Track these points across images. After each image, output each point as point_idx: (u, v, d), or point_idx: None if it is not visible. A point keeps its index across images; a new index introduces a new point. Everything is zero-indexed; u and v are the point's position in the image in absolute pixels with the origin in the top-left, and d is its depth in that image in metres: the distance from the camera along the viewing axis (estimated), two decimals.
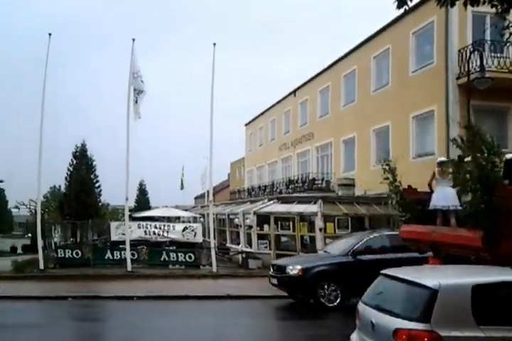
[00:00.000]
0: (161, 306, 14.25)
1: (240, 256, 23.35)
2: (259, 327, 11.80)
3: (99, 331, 10.69)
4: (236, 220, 25.75)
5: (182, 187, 48.98)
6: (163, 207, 36.50)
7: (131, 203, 49.84)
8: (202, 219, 32.00)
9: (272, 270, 14.67)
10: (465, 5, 6.92)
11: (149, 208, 50.77)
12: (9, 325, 11.06)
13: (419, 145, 21.08)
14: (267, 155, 40.20)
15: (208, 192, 33.64)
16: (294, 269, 13.61)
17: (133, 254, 21.02)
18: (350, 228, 21.31)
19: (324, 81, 30.55)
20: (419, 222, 10.96)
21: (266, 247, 22.91)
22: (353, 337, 6.82)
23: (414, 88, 21.22)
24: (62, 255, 21.65)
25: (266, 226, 23.44)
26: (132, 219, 28.13)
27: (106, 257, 21.78)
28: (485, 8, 7.85)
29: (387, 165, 11.84)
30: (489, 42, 18.27)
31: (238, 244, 25.78)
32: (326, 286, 13.19)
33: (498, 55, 18.25)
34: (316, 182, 29.25)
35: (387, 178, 11.68)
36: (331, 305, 13.11)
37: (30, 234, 44.67)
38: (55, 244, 24.42)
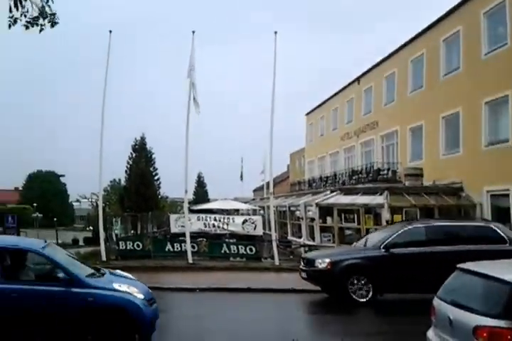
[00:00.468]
0: (224, 298, 14.44)
1: (302, 249, 23.35)
2: (321, 322, 11.84)
3: (165, 322, 10.92)
4: (297, 212, 25.76)
5: (241, 179, 49.47)
6: (222, 199, 36.99)
7: (189, 195, 50.72)
8: (262, 212, 32.24)
9: (302, 263, 14.55)
10: None
11: (208, 200, 51.61)
12: None
13: (492, 132, 20.49)
14: (329, 145, 39.98)
15: (267, 184, 33.87)
16: (322, 262, 13.39)
17: (193, 246, 21.45)
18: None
19: (390, 67, 30.11)
20: None
21: (329, 240, 22.76)
22: (429, 334, 6.74)
23: (486, 72, 20.62)
24: (124, 247, 22.36)
25: (329, 219, 23.28)
26: (191, 211, 28.64)
27: (166, 249, 22.29)
28: None
29: None
30: None
31: (300, 237, 25.80)
32: (356, 281, 12.95)
33: None
34: (381, 172, 28.84)
35: None
36: (361, 300, 12.85)
37: (91, 227, 46.12)
38: (116, 236, 25.19)
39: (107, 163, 21.55)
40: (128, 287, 8.86)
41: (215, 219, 24.94)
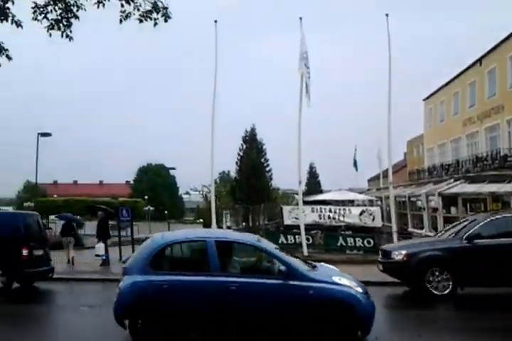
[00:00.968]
0: None
1: None
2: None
3: None
4: (419, 203, 25.23)
5: (356, 169, 48.84)
6: (337, 190, 36.64)
7: (302, 187, 50.91)
8: (379, 202, 31.73)
9: (380, 255, 14.37)
10: None
11: (320, 191, 51.46)
12: None
13: None
14: (450, 131, 38.73)
15: (384, 173, 33.24)
16: (399, 254, 13.25)
17: (307, 239, 21.51)
18: None
19: None
20: None
21: None
22: None
23: None
24: None
25: (453, 209, 22.66)
26: (304, 203, 28.74)
27: (279, 241, 22.46)
28: None
29: None
30: None
31: (421, 228, 25.20)
32: (434, 273, 12.61)
33: None
34: (508, 158, 27.68)
35: None
36: (440, 293, 12.48)
37: (201, 219, 47.51)
38: (228, 228, 25.76)
39: (217, 154, 21.98)
40: (348, 281, 8.76)
41: (330, 211, 24.89)
